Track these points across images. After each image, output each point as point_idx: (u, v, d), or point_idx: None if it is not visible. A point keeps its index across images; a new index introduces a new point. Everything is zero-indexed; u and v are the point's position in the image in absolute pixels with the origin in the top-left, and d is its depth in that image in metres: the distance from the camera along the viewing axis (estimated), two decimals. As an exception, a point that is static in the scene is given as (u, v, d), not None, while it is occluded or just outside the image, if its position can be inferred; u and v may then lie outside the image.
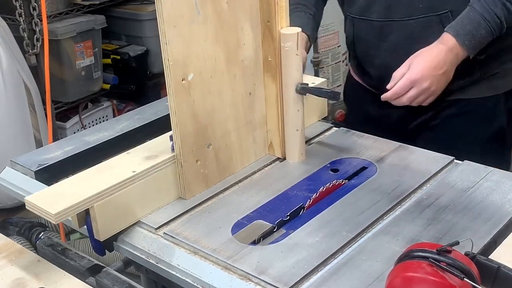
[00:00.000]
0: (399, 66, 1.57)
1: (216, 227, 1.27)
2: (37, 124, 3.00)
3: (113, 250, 1.30)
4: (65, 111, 3.35)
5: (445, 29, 1.56)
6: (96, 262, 1.26)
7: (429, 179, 1.39)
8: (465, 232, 1.19)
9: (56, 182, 1.54)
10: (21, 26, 3.01)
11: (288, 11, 1.40)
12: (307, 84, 1.44)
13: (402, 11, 1.65)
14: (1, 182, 1.51)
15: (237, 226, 1.27)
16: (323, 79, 1.64)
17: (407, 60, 1.56)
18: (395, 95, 1.55)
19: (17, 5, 2.97)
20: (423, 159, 1.45)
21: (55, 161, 1.52)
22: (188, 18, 1.24)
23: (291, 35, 1.38)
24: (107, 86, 3.53)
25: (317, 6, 1.85)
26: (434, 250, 0.95)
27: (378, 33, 1.70)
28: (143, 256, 1.25)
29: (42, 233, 2.63)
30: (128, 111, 3.63)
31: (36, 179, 1.47)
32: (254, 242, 1.24)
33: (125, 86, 3.57)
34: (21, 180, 1.48)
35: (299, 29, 1.39)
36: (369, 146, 1.55)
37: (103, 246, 1.27)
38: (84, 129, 3.44)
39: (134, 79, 3.58)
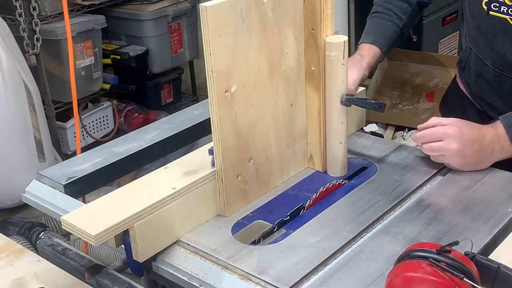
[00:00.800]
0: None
1: (216, 227, 1.27)
2: (37, 124, 2.99)
3: (151, 271, 1.25)
4: (65, 111, 3.35)
5: (499, 117, 1.41)
6: (96, 262, 1.26)
7: (429, 179, 1.39)
8: (465, 232, 1.19)
9: (85, 195, 1.51)
10: (21, 26, 3.01)
11: (333, 18, 1.32)
12: (353, 95, 1.38)
13: None
14: (28, 196, 1.45)
15: (237, 226, 1.27)
16: (362, 88, 1.57)
17: (454, 118, 1.41)
18: (420, 140, 1.42)
19: (17, 5, 2.97)
20: (423, 159, 1.45)
21: (84, 174, 1.47)
22: (233, 27, 1.19)
23: (337, 43, 1.31)
24: (107, 86, 3.53)
25: (411, 15, 1.69)
26: (434, 250, 0.95)
27: (491, 79, 1.57)
28: (185, 278, 1.19)
29: (42, 233, 2.63)
30: (128, 111, 3.67)
31: (65, 192, 1.42)
32: (254, 242, 1.24)
33: (125, 86, 3.57)
34: (50, 194, 1.42)
35: (346, 38, 1.32)
36: (369, 146, 1.55)
37: (142, 267, 1.23)
38: (84, 129, 3.44)
39: (134, 79, 3.58)
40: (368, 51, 1.63)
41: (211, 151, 1.27)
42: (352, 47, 3.81)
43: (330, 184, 1.38)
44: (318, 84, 1.37)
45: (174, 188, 1.22)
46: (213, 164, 1.27)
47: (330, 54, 1.32)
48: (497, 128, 1.39)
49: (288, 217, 1.29)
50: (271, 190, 1.38)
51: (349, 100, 1.36)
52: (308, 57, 1.36)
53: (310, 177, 1.44)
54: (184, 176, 1.27)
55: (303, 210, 1.32)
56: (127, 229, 1.17)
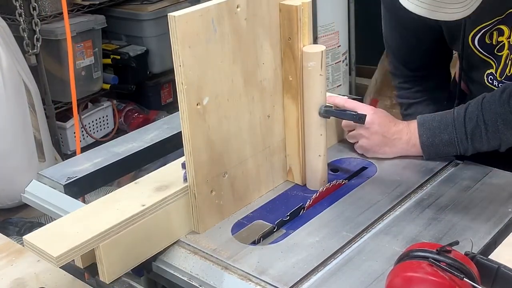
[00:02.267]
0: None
1: (216, 227, 1.27)
2: (37, 124, 3.00)
3: (151, 271, 1.24)
4: (65, 111, 3.35)
5: (417, 115, 1.46)
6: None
7: (429, 179, 1.39)
8: (465, 232, 1.19)
9: (85, 195, 1.51)
10: (21, 26, 3.02)
11: (311, 27, 1.28)
12: (331, 107, 1.34)
13: None
14: (28, 196, 1.44)
15: (237, 226, 1.27)
16: (343, 97, 1.55)
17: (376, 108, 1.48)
18: (345, 128, 1.51)
19: (17, 5, 2.97)
20: (423, 159, 1.45)
21: (84, 174, 1.46)
22: (204, 37, 1.14)
23: (314, 53, 1.26)
24: (107, 86, 3.53)
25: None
26: (434, 250, 0.95)
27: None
28: (185, 278, 1.18)
29: (42, 233, 2.63)
30: (128, 111, 3.67)
31: (65, 192, 1.42)
32: (254, 242, 1.24)
33: (125, 86, 3.57)
34: (50, 194, 1.42)
35: (324, 47, 1.27)
36: (369, 146, 1.54)
37: (142, 267, 1.22)
38: (84, 129, 3.45)
39: (134, 79, 3.59)
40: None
41: (183, 165, 1.21)
42: (353, 48, 3.82)
43: (330, 184, 1.38)
44: (296, 95, 1.32)
45: (143, 205, 1.17)
46: (185, 179, 1.22)
47: (307, 65, 1.28)
48: (411, 123, 1.45)
49: (288, 217, 1.29)
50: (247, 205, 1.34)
51: (327, 112, 1.31)
52: (285, 67, 1.31)
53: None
54: (155, 191, 1.21)
55: (303, 210, 1.32)
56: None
